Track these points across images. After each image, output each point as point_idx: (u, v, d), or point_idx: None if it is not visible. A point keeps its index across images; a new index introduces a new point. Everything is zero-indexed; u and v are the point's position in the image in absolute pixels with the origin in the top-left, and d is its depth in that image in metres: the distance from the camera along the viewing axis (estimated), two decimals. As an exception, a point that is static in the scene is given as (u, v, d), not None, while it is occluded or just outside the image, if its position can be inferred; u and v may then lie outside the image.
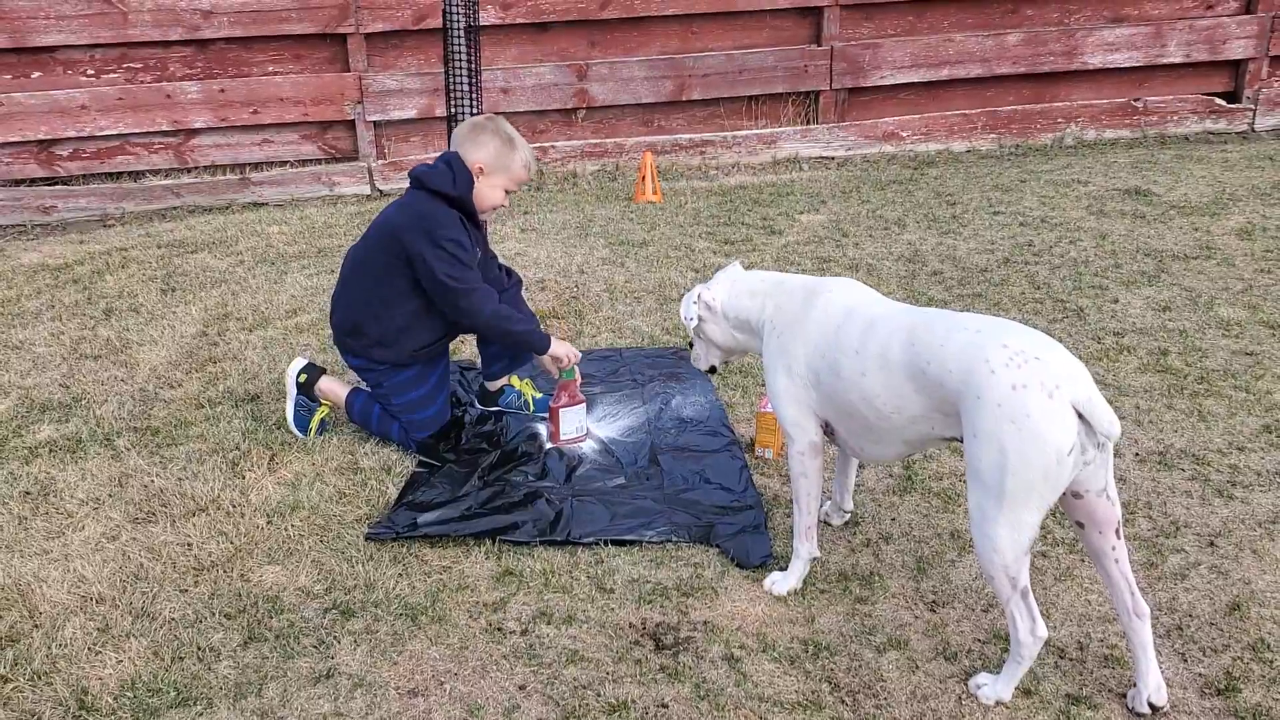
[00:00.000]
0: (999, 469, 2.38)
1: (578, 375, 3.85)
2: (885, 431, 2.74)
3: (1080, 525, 2.55)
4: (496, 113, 7.38)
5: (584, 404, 3.85)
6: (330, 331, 4.76)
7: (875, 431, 2.76)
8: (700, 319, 3.17)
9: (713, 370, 3.35)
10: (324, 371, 3.95)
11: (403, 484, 3.56)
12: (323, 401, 3.91)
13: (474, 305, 3.59)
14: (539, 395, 4.06)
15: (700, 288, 3.18)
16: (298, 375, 3.90)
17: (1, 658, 2.78)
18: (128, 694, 2.65)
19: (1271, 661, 2.68)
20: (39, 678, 2.71)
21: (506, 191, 3.71)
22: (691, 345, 3.37)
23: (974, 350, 2.45)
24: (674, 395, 4.08)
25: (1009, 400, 2.36)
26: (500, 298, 3.76)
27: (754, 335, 3.09)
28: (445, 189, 3.58)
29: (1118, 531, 2.52)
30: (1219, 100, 8.32)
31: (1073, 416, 2.34)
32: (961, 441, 2.53)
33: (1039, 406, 2.34)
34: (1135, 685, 2.55)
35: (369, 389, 3.85)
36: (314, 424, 3.88)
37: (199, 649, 2.81)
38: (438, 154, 7.52)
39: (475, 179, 3.63)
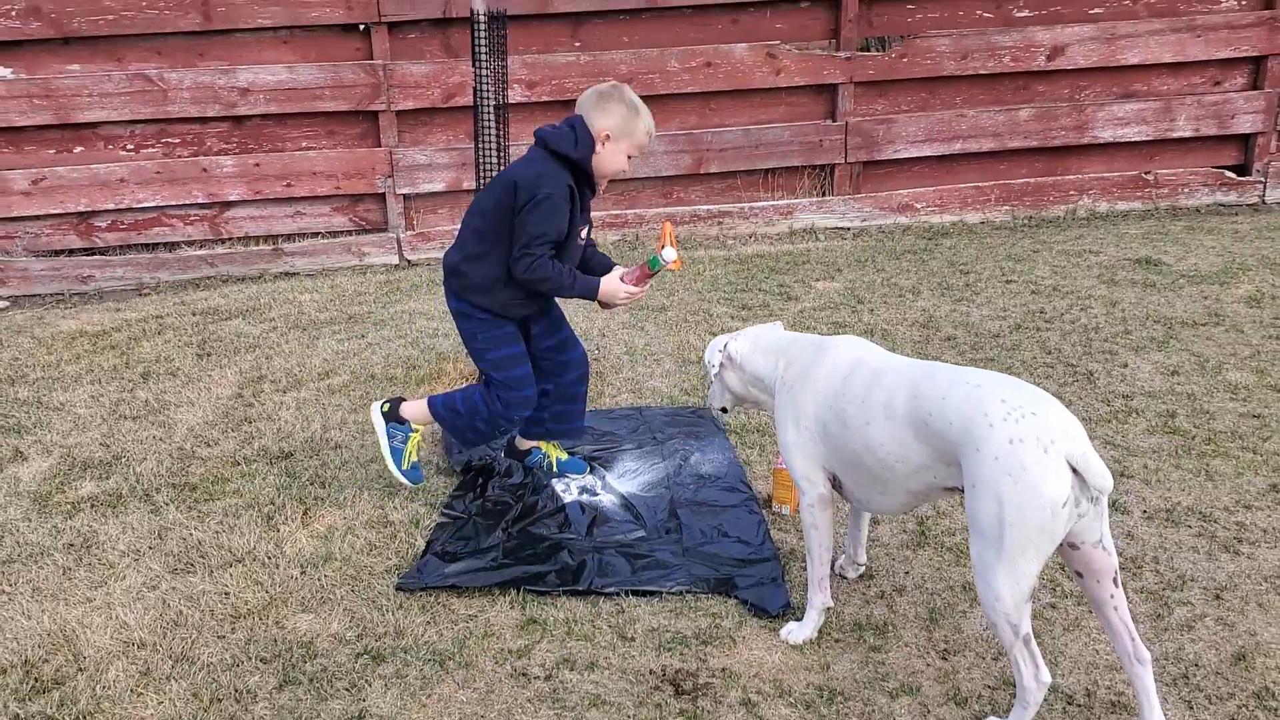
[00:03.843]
0: (997, 520, 2.49)
1: (665, 264, 3.74)
2: (889, 482, 2.85)
3: (1079, 575, 2.65)
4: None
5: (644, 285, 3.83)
6: (360, 388, 4.94)
7: (880, 482, 2.88)
8: (722, 365, 3.36)
9: (724, 410, 3.52)
10: (402, 399, 4.01)
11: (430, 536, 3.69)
12: (413, 426, 3.95)
13: (531, 269, 3.61)
14: (564, 456, 4.18)
15: (727, 337, 3.37)
16: (381, 406, 3.97)
17: (48, 699, 2.91)
18: (168, 733, 2.76)
19: (1276, 710, 2.75)
20: (84, 718, 2.83)
21: (629, 157, 3.75)
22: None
23: (973, 404, 2.57)
24: (693, 452, 4.20)
25: (1006, 454, 2.47)
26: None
27: (766, 392, 3.25)
28: (567, 151, 3.63)
29: (1115, 580, 2.61)
30: (1229, 173, 8.48)
31: (1067, 470, 2.44)
32: (963, 492, 2.64)
33: (1035, 460, 2.45)
34: (1141, 732, 2.63)
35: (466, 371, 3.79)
36: (409, 452, 3.92)
37: (237, 691, 2.92)
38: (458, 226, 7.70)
39: (600, 145, 3.66)
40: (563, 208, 3.62)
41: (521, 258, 3.61)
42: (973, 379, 2.66)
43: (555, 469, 4.16)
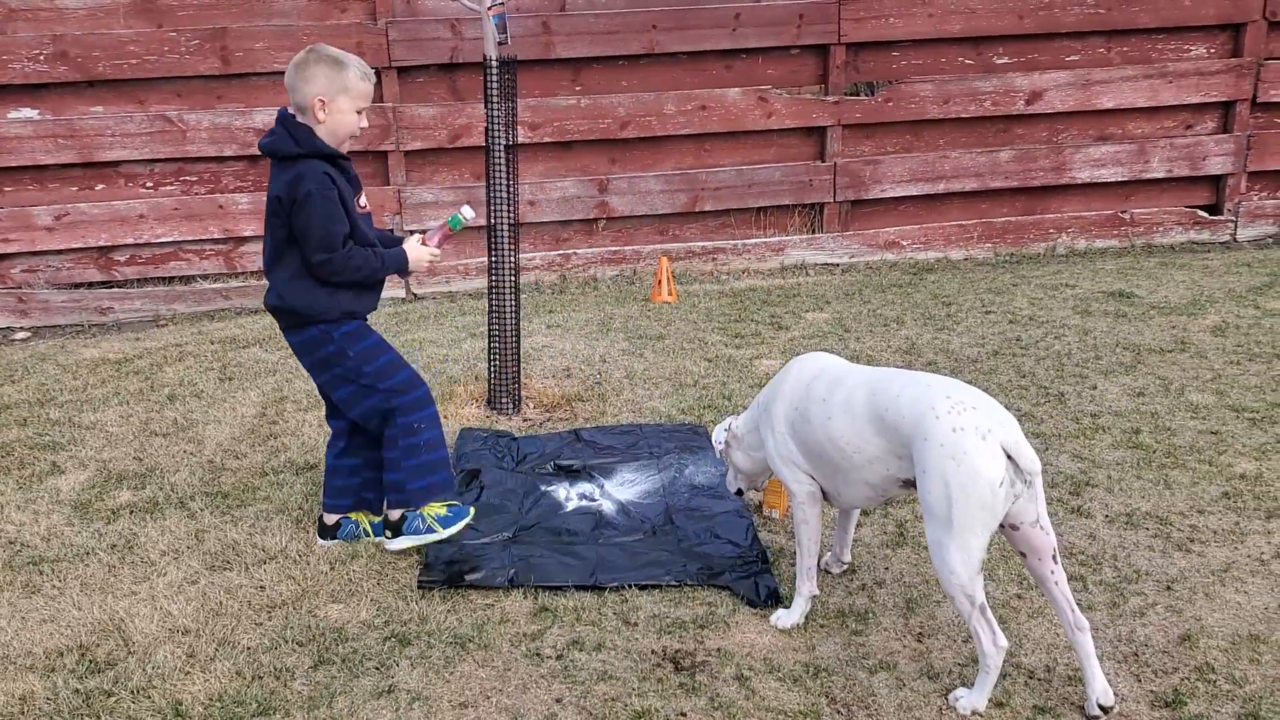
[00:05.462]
0: (945, 500, 2.84)
1: (466, 221, 3.88)
2: (849, 472, 3.20)
3: (1023, 555, 2.99)
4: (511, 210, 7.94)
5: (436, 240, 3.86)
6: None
7: (842, 473, 3.23)
8: (726, 444, 3.73)
9: (740, 493, 3.89)
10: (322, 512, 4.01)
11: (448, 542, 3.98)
12: (354, 515, 3.99)
13: (337, 270, 3.56)
14: (376, 519, 4.01)
15: (731, 418, 3.75)
16: (327, 538, 3.96)
17: (104, 677, 3.20)
18: (216, 705, 3.05)
19: (1215, 681, 3.06)
20: (138, 693, 3.12)
21: (359, 112, 3.57)
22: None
23: (923, 401, 2.95)
24: (688, 465, 4.51)
25: (950, 441, 2.84)
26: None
27: (757, 446, 3.59)
28: (291, 151, 3.50)
29: (1055, 558, 2.96)
30: (1201, 213, 8.86)
31: (1002, 455, 2.82)
32: (915, 485, 2.99)
33: (974, 446, 2.81)
34: (1087, 695, 2.94)
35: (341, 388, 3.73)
36: (368, 528, 3.98)
37: (275, 670, 3.22)
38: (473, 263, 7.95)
39: (320, 115, 3.50)
40: (330, 196, 3.48)
41: (324, 262, 3.52)
42: (923, 380, 3.05)
43: (372, 535, 3.99)
